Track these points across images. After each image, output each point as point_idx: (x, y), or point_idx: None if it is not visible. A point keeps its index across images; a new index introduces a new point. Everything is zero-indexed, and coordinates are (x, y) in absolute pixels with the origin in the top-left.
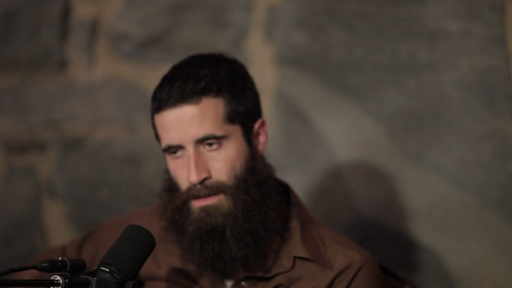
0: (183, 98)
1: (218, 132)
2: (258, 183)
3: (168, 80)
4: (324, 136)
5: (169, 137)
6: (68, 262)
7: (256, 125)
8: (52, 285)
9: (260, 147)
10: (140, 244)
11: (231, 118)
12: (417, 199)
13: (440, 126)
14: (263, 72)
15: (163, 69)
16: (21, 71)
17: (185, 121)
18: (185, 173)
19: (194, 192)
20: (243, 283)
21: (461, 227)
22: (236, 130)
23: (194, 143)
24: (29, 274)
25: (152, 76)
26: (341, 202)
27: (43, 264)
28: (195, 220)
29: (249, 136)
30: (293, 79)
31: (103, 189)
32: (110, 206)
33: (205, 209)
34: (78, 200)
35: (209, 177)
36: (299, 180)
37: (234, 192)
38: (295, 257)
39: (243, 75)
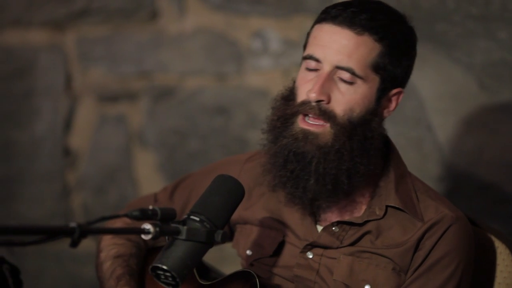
0: (349, 23)
1: (358, 71)
2: (364, 136)
3: (345, 2)
4: (414, 87)
5: (315, 48)
6: (159, 211)
7: (394, 91)
8: (143, 233)
9: (385, 111)
10: (229, 193)
11: (376, 67)
12: (508, 150)
13: None
14: None
15: (252, 21)
16: (113, 21)
17: (338, 43)
18: (308, 87)
19: (306, 108)
20: (334, 227)
21: None
22: (374, 80)
23: (332, 66)
24: (120, 222)
25: (241, 27)
26: (431, 153)
27: (134, 213)
28: (291, 137)
29: (381, 95)
30: None
31: (193, 138)
32: (199, 155)
33: (306, 133)
34: (168, 149)
35: (327, 102)
36: (389, 131)
37: (340, 130)
38: (387, 206)
39: (411, 45)
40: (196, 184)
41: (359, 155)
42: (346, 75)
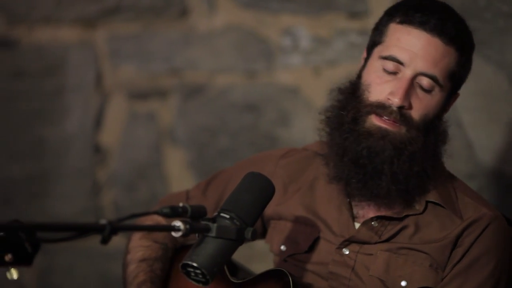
0: (440, 31)
1: (441, 80)
2: (435, 140)
3: (425, 5)
4: None
5: (399, 51)
6: (189, 208)
7: (456, 94)
8: (173, 231)
9: (444, 112)
10: (260, 191)
11: (452, 75)
12: None
13: None
14: None
15: (282, 18)
16: (143, 19)
17: (426, 50)
18: (386, 89)
19: (386, 112)
20: (373, 222)
21: None
22: (447, 87)
23: (416, 72)
24: (150, 220)
25: (271, 24)
26: (461, 151)
27: (165, 210)
28: (367, 135)
29: (449, 98)
30: None
31: (223, 136)
32: (229, 152)
33: (384, 132)
34: (198, 146)
35: (408, 108)
36: None
37: (415, 134)
38: (427, 201)
39: (474, 46)
40: (230, 180)
41: (430, 158)
42: (427, 82)
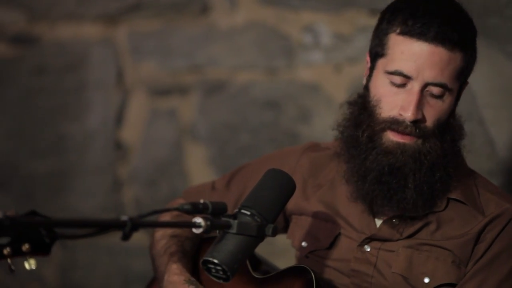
0: (442, 40)
1: (450, 85)
2: (452, 140)
3: (423, 10)
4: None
5: (405, 65)
6: (210, 205)
7: (466, 84)
8: (194, 227)
9: (456, 105)
10: (280, 188)
11: (459, 75)
12: None
13: None
14: None
15: (303, 15)
16: (165, 15)
17: (431, 61)
18: (397, 102)
19: (399, 127)
20: (394, 220)
21: None
22: (457, 86)
23: (424, 83)
24: (171, 216)
25: (292, 21)
26: (482, 148)
27: (185, 207)
28: (387, 152)
29: (459, 94)
30: None
31: (244, 132)
32: (250, 149)
33: (402, 146)
34: (219, 143)
35: (422, 120)
36: None
37: (432, 142)
38: (449, 198)
39: (476, 34)
40: (252, 175)
41: (450, 158)
42: (438, 90)
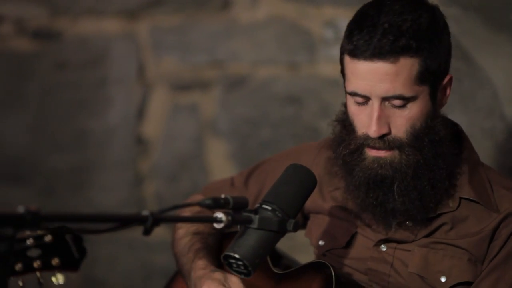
0: (381, 54)
1: (407, 93)
2: (433, 143)
3: (367, 26)
4: (487, 76)
5: (357, 85)
6: (231, 200)
7: (444, 81)
8: (215, 222)
9: (442, 102)
10: (302, 183)
11: (422, 78)
12: None
13: None
14: None
15: (325, 10)
16: (186, 11)
17: (377, 77)
18: (365, 120)
19: (370, 143)
20: (407, 222)
21: None
22: (424, 90)
23: (381, 98)
24: (191, 211)
25: (313, 16)
26: (504, 143)
27: (207, 202)
28: (366, 168)
29: (435, 94)
30: (455, 18)
31: (265, 127)
32: (271, 144)
33: (378, 161)
34: (240, 138)
35: (389, 133)
36: (462, 121)
37: (409, 150)
38: (461, 198)
39: (442, 27)
40: (270, 170)
41: (434, 160)
42: (397, 102)
